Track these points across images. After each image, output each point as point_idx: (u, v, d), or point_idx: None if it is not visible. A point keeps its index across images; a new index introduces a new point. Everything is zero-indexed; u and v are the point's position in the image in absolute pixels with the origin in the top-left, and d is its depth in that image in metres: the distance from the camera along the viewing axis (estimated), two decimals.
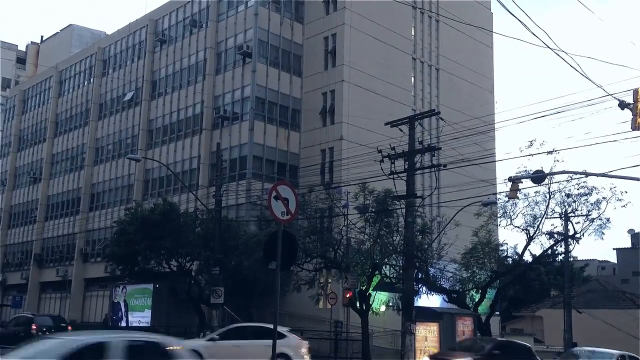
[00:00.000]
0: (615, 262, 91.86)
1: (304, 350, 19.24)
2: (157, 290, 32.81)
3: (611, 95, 16.21)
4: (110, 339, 8.05)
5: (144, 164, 43.82)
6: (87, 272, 48.08)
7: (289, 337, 18.79)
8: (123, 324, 33.39)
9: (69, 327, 26.55)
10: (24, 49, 75.22)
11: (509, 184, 22.38)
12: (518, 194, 23.62)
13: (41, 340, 8.97)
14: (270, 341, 14.88)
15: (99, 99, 51.49)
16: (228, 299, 28.27)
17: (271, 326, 17.02)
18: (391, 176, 23.49)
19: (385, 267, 27.76)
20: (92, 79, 52.65)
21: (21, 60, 73.80)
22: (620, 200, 26.58)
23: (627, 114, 15.70)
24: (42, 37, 70.65)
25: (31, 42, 73.16)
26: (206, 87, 41.43)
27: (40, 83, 59.99)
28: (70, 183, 52.47)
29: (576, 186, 27.15)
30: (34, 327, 25.39)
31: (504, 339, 25.63)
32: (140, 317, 32.85)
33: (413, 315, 25.21)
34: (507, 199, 26.21)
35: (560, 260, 33.52)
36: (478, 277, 30.45)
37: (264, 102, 39.19)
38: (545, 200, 27.72)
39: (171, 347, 8.71)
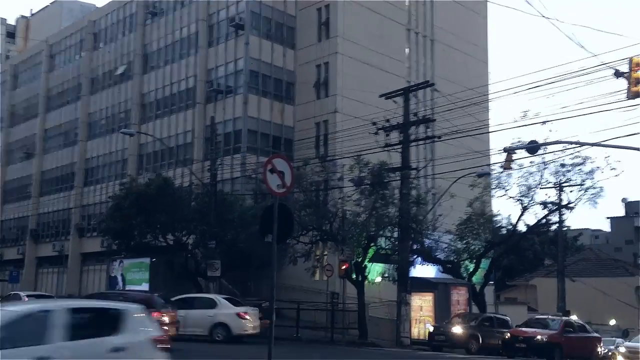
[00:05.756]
0: (609, 230, 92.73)
1: (249, 317, 21.20)
2: (153, 264, 32.95)
3: (606, 64, 16.20)
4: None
5: (138, 139, 43.59)
6: (84, 247, 48.20)
7: (220, 304, 21.37)
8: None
9: None
10: (13, 23, 74.26)
11: (504, 155, 22.45)
12: (512, 165, 23.71)
13: None
14: (209, 310, 21.19)
15: (91, 73, 51.01)
16: (225, 272, 28.48)
17: (210, 296, 22.88)
18: (386, 148, 23.56)
19: (381, 239, 27.96)
20: (83, 53, 52.12)
21: (11, 34, 72.86)
22: (613, 169, 26.67)
23: (622, 83, 15.73)
24: (31, 10, 69.76)
25: (21, 15, 72.17)
26: (199, 60, 41.07)
27: (31, 57, 59.32)
28: (64, 158, 52.26)
29: (570, 156, 27.22)
30: None
31: None
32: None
33: (408, 285, 25.56)
34: (501, 169, 26.29)
35: (554, 229, 33.77)
36: (472, 247, 30.69)
37: (257, 75, 38.92)
38: (540, 171, 27.83)
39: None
